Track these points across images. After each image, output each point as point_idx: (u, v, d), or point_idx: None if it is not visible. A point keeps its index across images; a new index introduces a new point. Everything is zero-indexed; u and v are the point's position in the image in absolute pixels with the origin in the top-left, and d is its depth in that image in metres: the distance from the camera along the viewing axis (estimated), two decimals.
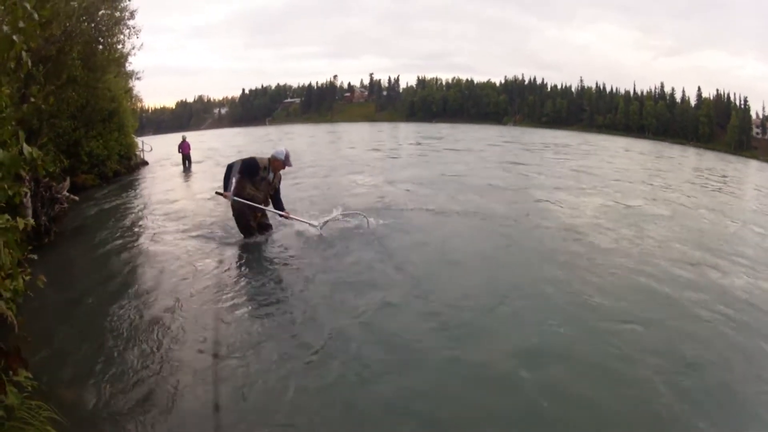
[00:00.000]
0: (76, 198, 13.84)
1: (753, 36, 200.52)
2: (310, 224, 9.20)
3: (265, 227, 9.68)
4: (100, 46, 18.18)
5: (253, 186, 9.02)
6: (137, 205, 15.46)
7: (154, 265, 8.75)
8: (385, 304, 6.62)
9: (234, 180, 8.95)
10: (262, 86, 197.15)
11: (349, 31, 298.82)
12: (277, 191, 9.55)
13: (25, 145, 6.32)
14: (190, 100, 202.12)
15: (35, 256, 8.02)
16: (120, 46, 20.38)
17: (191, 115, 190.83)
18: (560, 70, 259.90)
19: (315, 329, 5.88)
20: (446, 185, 16.36)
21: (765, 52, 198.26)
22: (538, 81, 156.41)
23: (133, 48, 22.25)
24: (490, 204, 13.64)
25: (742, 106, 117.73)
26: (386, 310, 6.46)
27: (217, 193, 9.26)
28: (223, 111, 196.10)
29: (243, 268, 8.23)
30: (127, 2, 18.76)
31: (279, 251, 8.98)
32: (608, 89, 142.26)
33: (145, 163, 31.41)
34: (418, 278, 7.61)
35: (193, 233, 10.66)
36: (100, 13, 16.90)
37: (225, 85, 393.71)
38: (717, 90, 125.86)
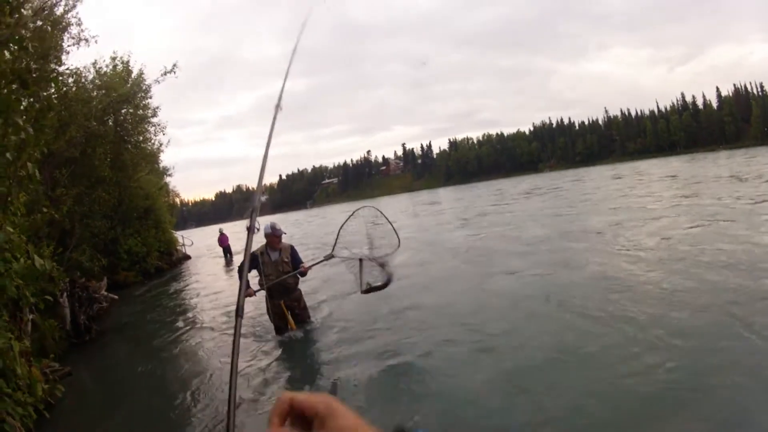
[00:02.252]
0: (116, 297, 14.01)
1: (751, 17, 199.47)
2: (325, 259, 8.06)
3: (302, 319, 8.93)
4: (128, 146, 18.70)
5: (264, 273, 8.51)
6: (177, 302, 15.30)
7: (193, 363, 8.58)
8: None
9: (247, 278, 8.58)
10: (299, 170, 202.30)
11: (376, 105, 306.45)
12: (296, 262, 8.66)
13: (36, 257, 6.40)
14: (229, 190, 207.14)
15: (56, 365, 8.18)
16: (147, 144, 21.03)
17: (232, 205, 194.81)
18: (585, 104, 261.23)
19: None
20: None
21: (767, 32, 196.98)
22: (566, 121, 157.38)
23: (161, 144, 22.91)
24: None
25: (760, 94, 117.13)
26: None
27: (245, 295, 8.77)
28: (264, 198, 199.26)
29: (281, 364, 7.65)
30: (149, 100, 19.21)
31: (316, 343, 8.43)
32: (633, 113, 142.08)
33: (188, 258, 31.71)
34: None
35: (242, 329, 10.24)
36: (123, 111, 17.40)
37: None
38: (734, 85, 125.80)
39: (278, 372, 7.09)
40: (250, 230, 2.22)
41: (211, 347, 9.27)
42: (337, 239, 7.94)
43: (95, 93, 15.34)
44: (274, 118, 2.38)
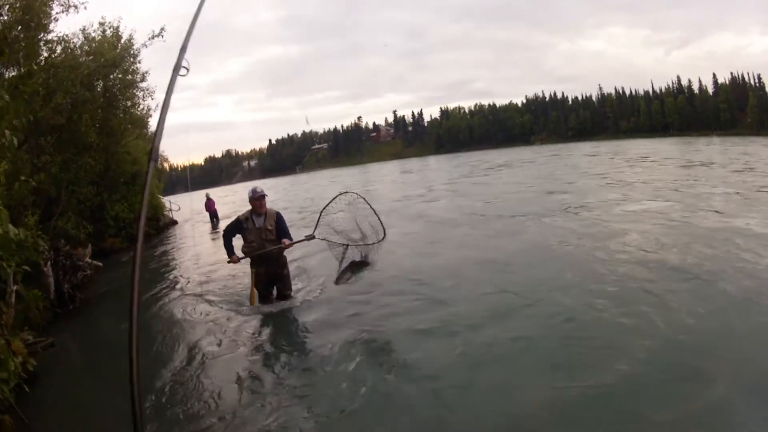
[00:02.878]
0: (100, 264, 13.88)
1: (752, 9, 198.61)
2: (306, 239, 8.12)
3: (281, 291, 8.65)
4: (116, 111, 18.47)
5: (246, 240, 8.32)
6: (162, 267, 15.44)
7: (175, 329, 8.56)
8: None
9: (231, 245, 8.45)
10: (289, 135, 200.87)
11: (369, 72, 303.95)
12: (281, 231, 8.33)
13: (10, 226, 6.32)
14: (218, 155, 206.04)
15: (30, 338, 8.09)
16: (135, 109, 20.78)
17: (221, 170, 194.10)
18: (579, 81, 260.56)
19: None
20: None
21: (766, 25, 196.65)
22: (559, 96, 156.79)
23: (149, 109, 22.64)
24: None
25: (757, 85, 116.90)
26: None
27: (228, 261, 8.50)
28: (252, 163, 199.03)
29: (264, 336, 7.54)
30: (138, 65, 18.93)
31: (293, 322, 8.09)
32: (628, 92, 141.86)
33: (174, 223, 31.86)
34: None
35: (217, 298, 10.07)
36: (111, 77, 17.15)
37: (252, 137, 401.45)
38: (731, 73, 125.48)
39: (241, 353, 6.91)
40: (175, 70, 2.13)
41: (193, 312, 9.34)
42: (318, 221, 7.97)
43: (83, 59, 15.08)
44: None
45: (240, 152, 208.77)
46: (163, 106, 2.28)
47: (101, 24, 16.26)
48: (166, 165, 41.88)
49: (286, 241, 8.09)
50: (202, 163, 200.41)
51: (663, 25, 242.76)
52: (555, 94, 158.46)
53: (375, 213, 7.56)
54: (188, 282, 12.17)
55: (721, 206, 13.22)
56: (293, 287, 8.95)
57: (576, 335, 5.97)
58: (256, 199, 8.22)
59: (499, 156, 72.66)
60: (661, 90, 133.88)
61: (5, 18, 11.21)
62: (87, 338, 9.54)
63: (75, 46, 15.26)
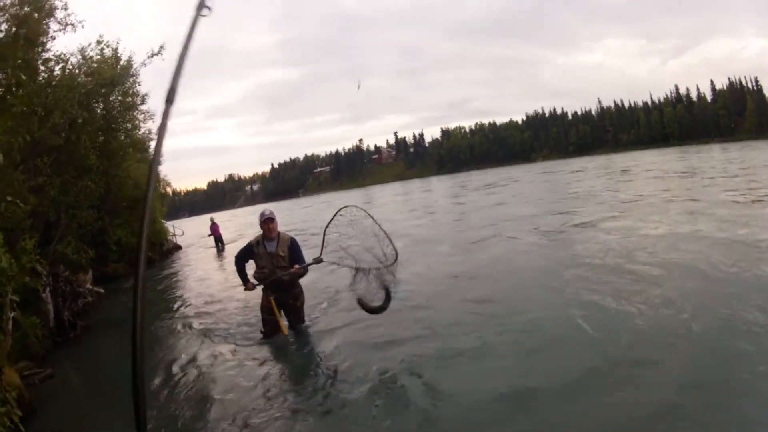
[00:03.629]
0: (101, 290, 13.50)
1: (745, 12, 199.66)
2: (314, 261, 7.40)
3: (295, 320, 8.09)
4: (116, 133, 18.21)
5: (258, 266, 7.78)
6: (166, 294, 14.96)
7: (178, 358, 8.11)
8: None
9: (244, 271, 7.97)
10: (291, 159, 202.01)
11: (368, 94, 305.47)
12: (295, 258, 7.69)
13: (2, 254, 5.92)
14: (221, 179, 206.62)
15: (27, 369, 7.68)
16: (136, 132, 20.49)
17: (224, 194, 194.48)
18: (577, 95, 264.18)
19: None
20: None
21: (760, 27, 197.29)
22: (558, 111, 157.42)
23: (149, 132, 22.38)
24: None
25: (755, 88, 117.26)
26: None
27: (244, 289, 7.94)
28: (255, 187, 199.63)
29: (273, 371, 6.93)
30: (138, 87, 18.62)
31: (308, 350, 7.60)
32: (627, 104, 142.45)
33: (179, 248, 31.32)
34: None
35: (221, 328, 9.54)
36: (111, 99, 16.90)
37: (253, 160, 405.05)
38: (729, 79, 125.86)
39: (247, 390, 6.29)
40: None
41: (199, 342, 8.83)
42: (324, 240, 7.29)
43: (81, 79, 14.78)
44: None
45: (242, 176, 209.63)
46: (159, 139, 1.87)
47: (99, 43, 15.94)
48: (168, 189, 41.58)
49: (297, 266, 7.46)
50: (205, 188, 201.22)
51: (657, 35, 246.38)
52: (554, 110, 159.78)
53: (381, 229, 6.99)
54: (193, 310, 11.72)
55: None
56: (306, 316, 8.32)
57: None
58: (264, 222, 7.64)
59: (499, 174, 72.66)
60: (659, 100, 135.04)
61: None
62: (88, 368, 9.05)
63: (73, 65, 14.96)
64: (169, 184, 40.54)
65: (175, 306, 12.72)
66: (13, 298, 8.51)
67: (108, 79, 15.54)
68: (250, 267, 7.87)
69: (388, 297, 6.55)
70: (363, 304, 6.71)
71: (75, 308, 11.06)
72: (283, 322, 7.81)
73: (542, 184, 35.90)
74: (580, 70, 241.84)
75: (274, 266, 7.58)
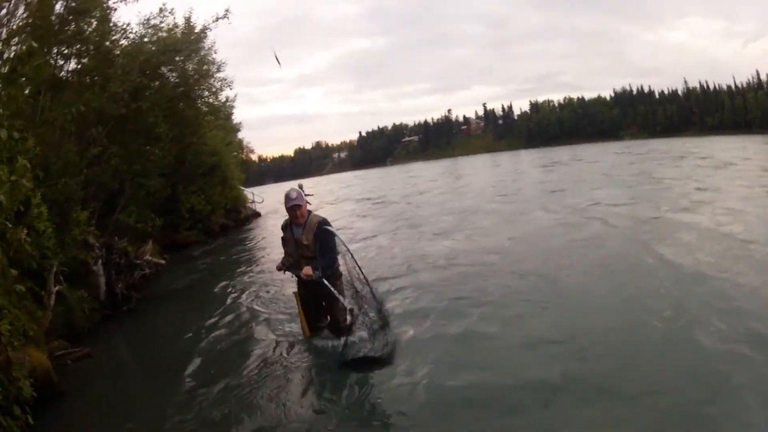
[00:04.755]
0: (162, 261, 13.36)
1: None
2: (317, 277, 6.15)
3: (338, 329, 6.74)
4: (189, 101, 18.16)
5: (285, 252, 6.80)
6: (236, 266, 14.42)
7: (235, 346, 7.57)
8: None
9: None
10: (379, 128, 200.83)
11: (456, 64, 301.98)
12: (323, 248, 6.47)
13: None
14: (308, 146, 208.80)
15: (62, 348, 7.46)
16: (212, 99, 20.45)
17: (311, 162, 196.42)
18: (664, 74, 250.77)
19: None
20: None
21: None
22: (646, 89, 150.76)
23: (227, 100, 22.33)
24: None
25: None
26: None
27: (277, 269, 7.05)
28: (342, 155, 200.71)
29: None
30: (214, 55, 18.82)
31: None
32: (711, 86, 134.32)
33: (257, 215, 31.34)
34: None
35: (276, 314, 8.64)
36: (182, 66, 16.82)
37: (341, 129, 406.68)
38: None
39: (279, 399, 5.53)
40: None
41: (265, 324, 8.24)
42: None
43: (147, 47, 14.71)
44: None
45: (330, 144, 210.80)
46: None
47: (161, 11, 15.82)
48: (252, 156, 42.01)
49: (309, 270, 6.17)
50: (292, 155, 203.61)
51: (738, 16, 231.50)
52: (642, 87, 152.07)
53: (366, 279, 6.24)
54: (271, 284, 10.90)
55: None
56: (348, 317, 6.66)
57: None
58: (290, 209, 6.47)
59: (590, 151, 69.27)
60: (742, 85, 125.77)
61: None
62: (134, 344, 8.90)
63: (135, 33, 15.00)
64: (252, 151, 40.90)
65: (235, 279, 12.36)
66: (58, 272, 8.42)
67: (171, 45, 15.43)
68: None
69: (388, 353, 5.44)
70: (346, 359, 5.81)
71: (130, 280, 10.89)
72: (306, 323, 6.84)
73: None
74: (665, 48, 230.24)
75: (300, 255, 6.54)
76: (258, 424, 4.99)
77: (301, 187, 27.41)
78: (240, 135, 34.77)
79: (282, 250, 6.88)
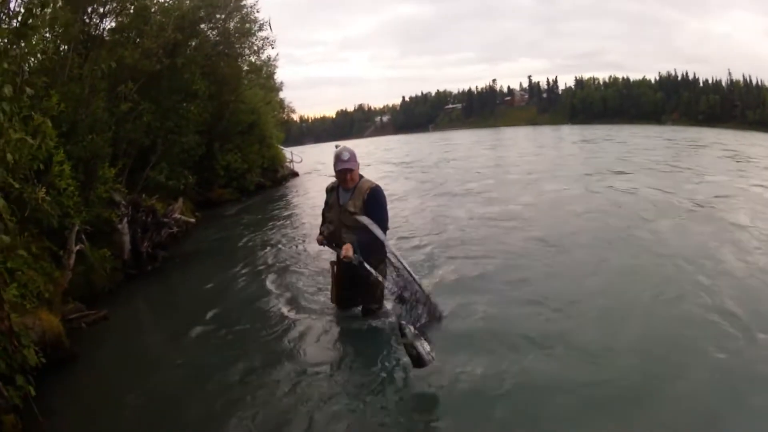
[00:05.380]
0: (192, 220, 13.21)
1: None
2: (357, 260, 5.23)
3: (369, 310, 6.20)
4: (231, 60, 17.96)
5: (326, 219, 6.07)
6: (270, 227, 13.99)
7: (259, 314, 7.18)
8: None
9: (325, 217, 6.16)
10: (422, 93, 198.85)
11: (502, 35, 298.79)
12: (373, 219, 5.34)
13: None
14: (350, 109, 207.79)
15: (77, 310, 7.28)
16: (253, 58, 20.18)
17: (352, 124, 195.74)
18: (708, 63, 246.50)
19: None
20: None
21: None
22: (690, 77, 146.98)
23: (269, 59, 22.05)
24: None
25: None
26: None
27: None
28: (385, 119, 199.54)
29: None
30: (256, 14, 18.50)
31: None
32: (754, 82, 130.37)
33: (295, 175, 30.93)
34: None
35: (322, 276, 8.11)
36: (222, 24, 16.59)
37: (384, 93, 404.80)
38: None
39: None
40: None
41: (293, 291, 7.81)
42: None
43: (185, 3, 14.46)
44: None
45: (372, 107, 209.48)
46: None
47: None
48: (294, 116, 41.80)
49: (349, 250, 5.26)
50: (334, 116, 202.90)
51: None
52: (687, 74, 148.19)
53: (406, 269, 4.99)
54: (305, 247, 10.71)
55: None
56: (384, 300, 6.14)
57: None
58: (340, 172, 5.64)
59: (635, 131, 67.55)
60: None
61: None
62: (157, 307, 8.59)
63: None
64: (293, 111, 40.64)
65: (267, 241, 12.07)
66: (81, 231, 8.28)
67: (211, 1, 15.17)
68: None
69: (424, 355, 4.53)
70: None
71: (157, 239, 10.72)
72: (334, 290, 6.38)
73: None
74: (711, 38, 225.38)
75: (341, 224, 5.69)
76: (275, 401, 4.74)
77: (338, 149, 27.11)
78: (281, 95, 34.58)
79: (320, 218, 6.29)
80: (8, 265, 5.66)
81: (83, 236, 8.43)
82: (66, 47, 9.86)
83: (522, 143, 50.05)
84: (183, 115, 13.85)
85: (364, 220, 5.23)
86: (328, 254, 6.80)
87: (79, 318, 6.95)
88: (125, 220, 9.77)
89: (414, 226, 11.52)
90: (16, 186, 5.58)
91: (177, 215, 11.99)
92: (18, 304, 5.81)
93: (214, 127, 18.33)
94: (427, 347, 4.52)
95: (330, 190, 6.02)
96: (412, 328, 4.55)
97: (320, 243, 6.08)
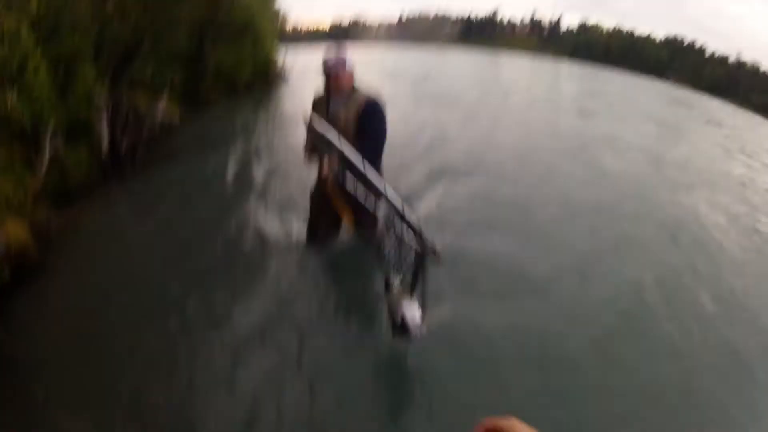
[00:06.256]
0: (175, 119, 12.86)
1: None
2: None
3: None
4: None
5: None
6: (259, 129, 14.06)
7: (237, 226, 7.05)
8: None
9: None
10: (420, 15, 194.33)
11: None
12: (369, 133, 4.61)
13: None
14: (345, 24, 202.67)
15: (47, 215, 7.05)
16: None
17: (347, 37, 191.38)
18: (717, 37, 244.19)
19: None
20: None
21: None
22: (697, 45, 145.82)
23: None
24: None
25: None
26: None
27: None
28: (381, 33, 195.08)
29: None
30: None
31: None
32: (762, 70, 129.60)
33: (287, 76, 29.98)
34: None
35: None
36: None
37: (381, 9, 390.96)
38: None
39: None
40: None
41: (272, 213, 7.52)
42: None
43: None
44: None
45: (368, 24, 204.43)
46: None
47: None
48: (287, 25, 40.30)
49: (333, 162, 4.08)
50: (328, 30, 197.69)
51: None
52: (694, 43, 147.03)
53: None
54: (268, 158, 10.69)
55: None
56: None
57: None
58: (330, 67, 4.67)
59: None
60: None
61: None
62: (133, 209, 8.19)
63: None
64: (286, 20, 39.24)
65: (252, 146, 11.91)
66: (56, 132, 7.98)
67: None
68: None
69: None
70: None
71: (138, 138, 10.52)
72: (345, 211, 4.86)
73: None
74: (726, 15, 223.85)
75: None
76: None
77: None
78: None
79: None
80: None
81: (59, 137, 8.15)
82: None
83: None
84: (174, 13, 13.24)
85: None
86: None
87: (48, 223, 6.77)
88: (104, 118, 9.48)
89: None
90: None
91: (160, 113, 11.70)
92: None
93: (207, 24, 17.66)
94: (418, 313, 3.56)
95: (317, 101, 5.03)
96: (399, 281, 3.74)
97: (308, 160, 4.98)
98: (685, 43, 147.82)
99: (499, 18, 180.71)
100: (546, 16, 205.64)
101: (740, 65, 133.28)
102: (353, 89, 4.78)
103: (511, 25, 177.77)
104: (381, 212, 3.76)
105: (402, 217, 3.64)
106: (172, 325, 4.73)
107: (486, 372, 4.21)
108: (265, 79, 25.75)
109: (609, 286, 5.88)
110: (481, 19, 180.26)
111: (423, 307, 3.63)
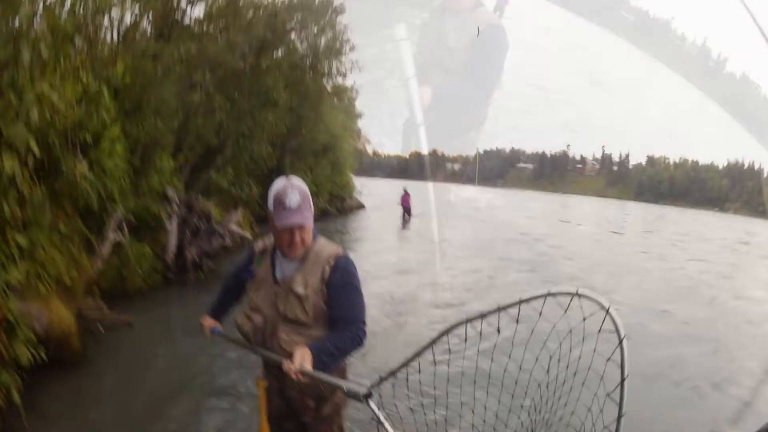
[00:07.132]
0: (247, 234, 12.28)
1: None
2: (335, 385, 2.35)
3: None
4: (317, 75, 17.39)
5: (250, 303, 2.83)
6: None
7: None
8: None
9: (225, 297, 3.25)
10: (497, 148, 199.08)
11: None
12: (345, 308, 2.66)
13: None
14: (425, 152, 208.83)
15: (97, 307, 6.29)
16: (338, 78, 19.57)
17: (424, 167, 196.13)
18: None
19: None
20: None
21: None
22: (756, 166, 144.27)
23: (355, 84, 21.59)
24: None
25: None
26: None
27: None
28: (456, 167, 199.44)
29: None
30: (348, 34, 17.85)
31: None
32: None
33: (361, 207, 30.26)
34: None
35: None
36: (323, 41, 16.18)
37: (458, 143, 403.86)
38: None
39: None
40: None
41: None
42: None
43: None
44: None
45: (446, 154, 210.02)
46: None
47: None
48: (368, 147, 41.22)
49: (302, 359, 2.37)
50: (407, 156, 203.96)
51: None
52: (753, 164, 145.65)
53: None
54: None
55: None
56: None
57: None
58: (283, 228, 2.59)
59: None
60: None
61: None
62: (190, 321, 7.54)
63: None
64: (368, 141, 40.04)
65: None
66: (123, 220, 7.45)
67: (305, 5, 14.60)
68: None
69: None
70: None
71: (206, 247, 9.90)
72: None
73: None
74: None
75: (277, 313, 2.70)
76: None
77: (405, 189, 25.95)
78: (360, 124, 33.87)
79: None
80: (19, 240, 4.70)
81: (125, 226, 7.61)
82: (146, 19, 9.21)
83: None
84: (259, 121, 13.13)
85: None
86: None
87: (97, 318, 6.02)
88: (175, 218, 9.00)
89: None
90: (36, 150, 4.70)
91: (233, 226, 11.20)
92: (29, 286, 5.01)
93: (289, 141, 17.69)
94: None
95: (260, 254, 2.96)
96: None
97: (207, 336, 3.16)
98: (745, 167, 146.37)
99: (571, 155, 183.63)
100: (616, 151, 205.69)
101: None
102: (313, 243, 2.80)
103: (582, 162, 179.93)
104: None
105: None
106: None
107: None
108: (341, 206, 25.77)
109: None
110: (554, 154, 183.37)
111: None
